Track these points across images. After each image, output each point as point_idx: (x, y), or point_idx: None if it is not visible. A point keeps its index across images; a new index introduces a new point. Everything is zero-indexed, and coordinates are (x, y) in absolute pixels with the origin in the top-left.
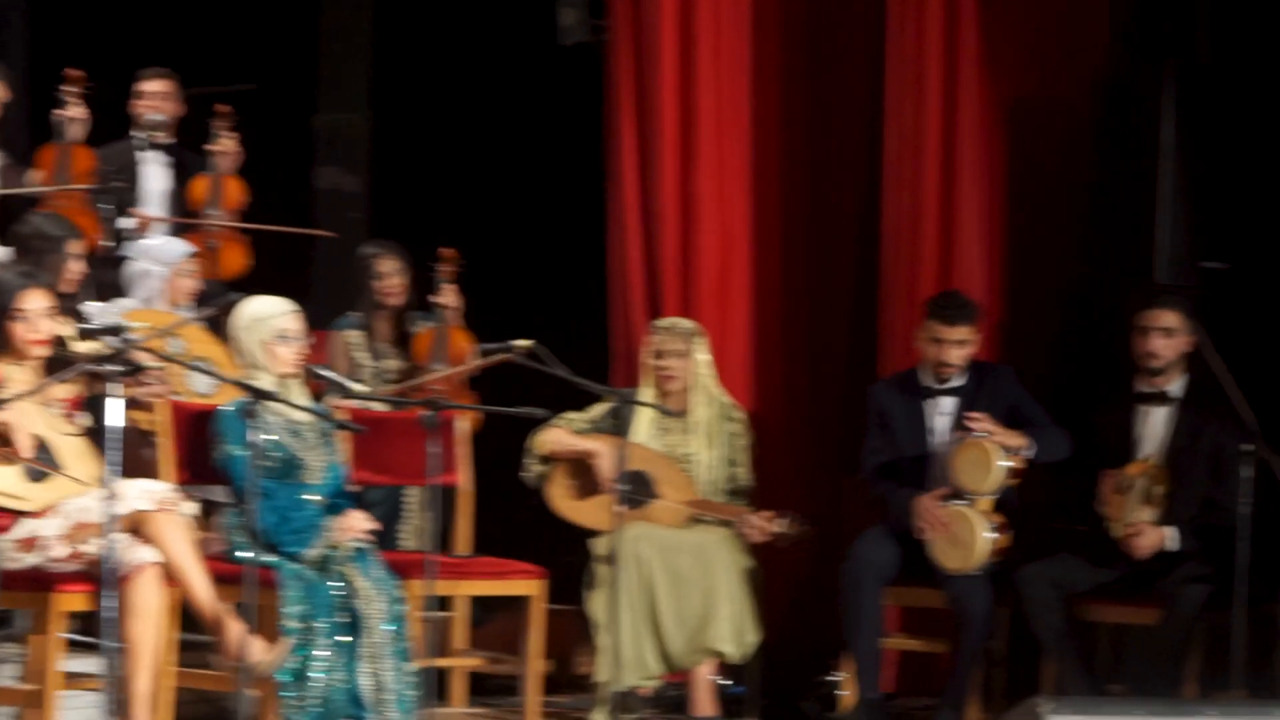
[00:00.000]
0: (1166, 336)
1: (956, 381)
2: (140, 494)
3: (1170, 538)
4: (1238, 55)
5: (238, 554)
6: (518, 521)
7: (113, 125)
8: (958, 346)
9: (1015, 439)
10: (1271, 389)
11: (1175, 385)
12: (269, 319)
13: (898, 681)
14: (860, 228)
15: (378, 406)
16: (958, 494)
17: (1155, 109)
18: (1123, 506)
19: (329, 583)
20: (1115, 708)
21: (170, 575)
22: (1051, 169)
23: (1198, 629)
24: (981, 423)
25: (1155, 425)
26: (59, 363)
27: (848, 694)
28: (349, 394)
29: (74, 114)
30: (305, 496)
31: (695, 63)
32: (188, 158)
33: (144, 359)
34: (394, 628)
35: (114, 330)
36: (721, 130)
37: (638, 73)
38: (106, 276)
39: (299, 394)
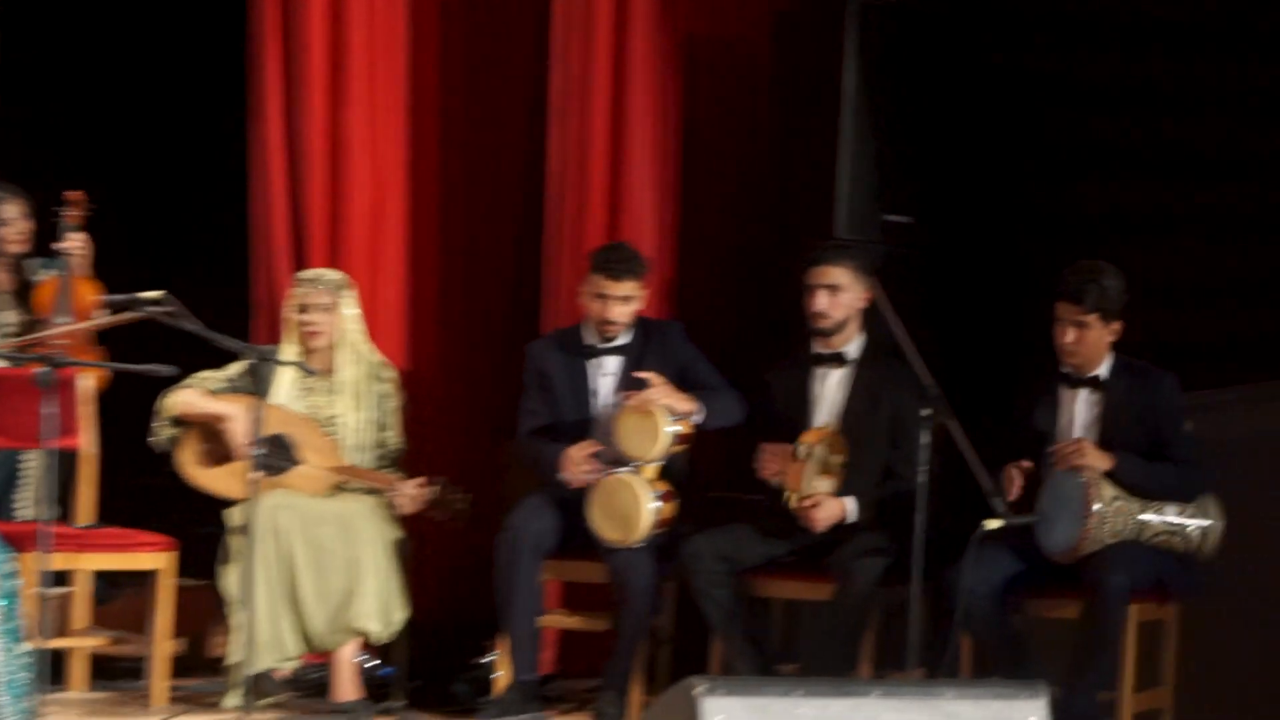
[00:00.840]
0: (832, 294)
1: (622, 340)
2: None
3: (850, 509)
4: None
5: None
6: (146, 489)
7: None
8: (623, 303)
9: (684, 402)
10: (960, 348)
11: (852, 346)
12: None
13: (557, 662)
14: (524, 174)
15: None
16: (621, 460)
17: (837, 51)
18: (800, 476)
19: None
20: (774, 689)
21: None
22: (729, 113)
23: (873, 605)
24: (652, 382)
25: (831, 388)
26: None
27: (502, 675)
28: None
29: None
30: None
31: None
32: None
33: None
34: (4, 604)
35: None
36: (374, 66)
37: (284, 1)
38: None
39: None
